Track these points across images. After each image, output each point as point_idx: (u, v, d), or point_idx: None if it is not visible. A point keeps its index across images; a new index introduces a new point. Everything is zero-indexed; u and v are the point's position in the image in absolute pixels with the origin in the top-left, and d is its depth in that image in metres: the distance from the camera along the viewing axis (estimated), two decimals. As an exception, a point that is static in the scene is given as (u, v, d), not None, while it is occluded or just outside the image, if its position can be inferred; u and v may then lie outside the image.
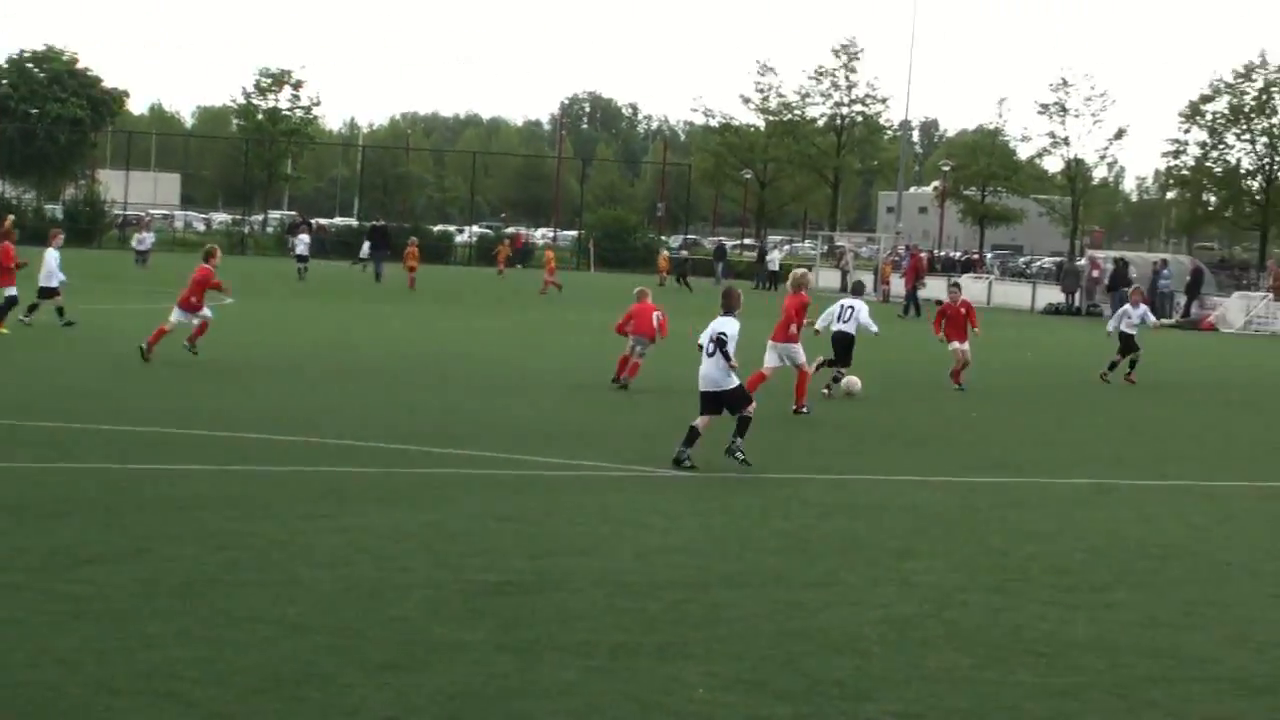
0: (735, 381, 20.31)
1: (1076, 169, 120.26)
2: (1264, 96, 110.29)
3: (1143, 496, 19.89)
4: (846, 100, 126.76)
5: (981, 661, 11.56)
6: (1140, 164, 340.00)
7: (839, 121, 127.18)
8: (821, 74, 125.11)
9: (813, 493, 18.88)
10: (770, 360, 27.41)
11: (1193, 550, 16.30)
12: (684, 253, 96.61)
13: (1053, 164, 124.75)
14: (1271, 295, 69.49)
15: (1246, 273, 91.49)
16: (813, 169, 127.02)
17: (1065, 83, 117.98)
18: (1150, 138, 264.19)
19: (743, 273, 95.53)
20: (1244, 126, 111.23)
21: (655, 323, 29.88)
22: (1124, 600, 13.80)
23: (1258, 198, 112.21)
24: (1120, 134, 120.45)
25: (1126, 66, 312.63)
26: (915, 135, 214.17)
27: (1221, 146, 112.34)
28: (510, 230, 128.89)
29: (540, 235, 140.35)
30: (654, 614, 12.53)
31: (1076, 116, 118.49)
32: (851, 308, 30.23)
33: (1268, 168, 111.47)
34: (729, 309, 20.65)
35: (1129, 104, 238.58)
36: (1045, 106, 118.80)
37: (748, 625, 12.34)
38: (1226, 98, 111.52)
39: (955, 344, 32.45)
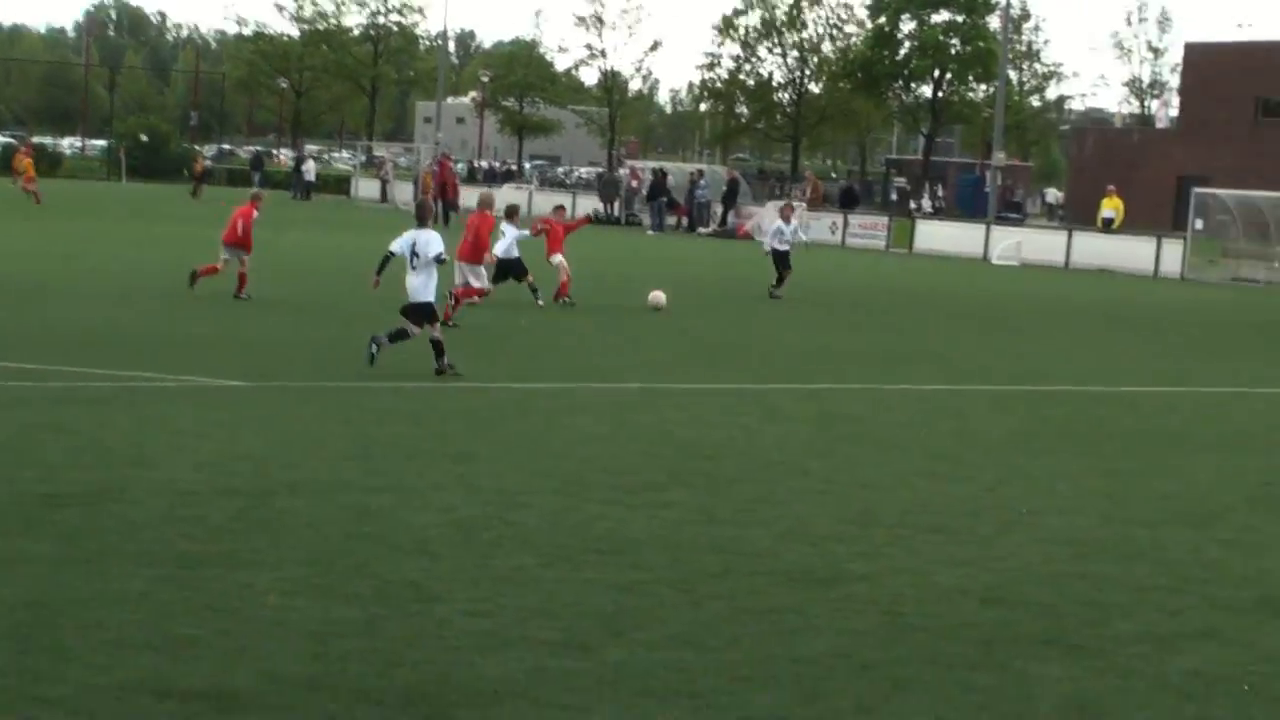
0: (431, 296, 20.92)
1: (613, 81, 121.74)
2: (794, 11, 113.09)
3: (694, 400, 20.32)
4: (383, 10, 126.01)
5: (547, 560, 11.70)
6: (675, 76, 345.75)
7: (375, 31, 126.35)
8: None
9: (372, 400, 18.82)
10: (459, 279, 28.01)
11: (745, 450, 16.72)
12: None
13: (590, 75, 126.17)
14: (806, 205, 71.53)
15: (783, 184, 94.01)
16: (349, 78, 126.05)
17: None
18: (685, 50, 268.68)
19: (280, 183, 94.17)
20: (775, 40, 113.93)
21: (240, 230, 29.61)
22: (681, 499, 14.09)
23: (789, 110, 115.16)
24: (655, 46, 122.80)
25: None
26: (452, 46, 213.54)
27: (754, 60, 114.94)
28: (35, 139, 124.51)
29: (68, 145, 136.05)
30: (219, 523, 12.36)
31: (613, 29, 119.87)
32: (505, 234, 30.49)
33: (798, 81, 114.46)
34: (423, 221, 21.41)
35: (664, 17, 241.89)
36: (582, 19, 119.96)
37: (315, 531, 12.27)
38: (759, 11, 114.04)
39: (557, 258, 32.50)
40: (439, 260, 21.11)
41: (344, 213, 72.23)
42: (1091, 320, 35.80)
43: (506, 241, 30.46)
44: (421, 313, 21.11)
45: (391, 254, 21.32)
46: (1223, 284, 53.57)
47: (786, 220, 37.08)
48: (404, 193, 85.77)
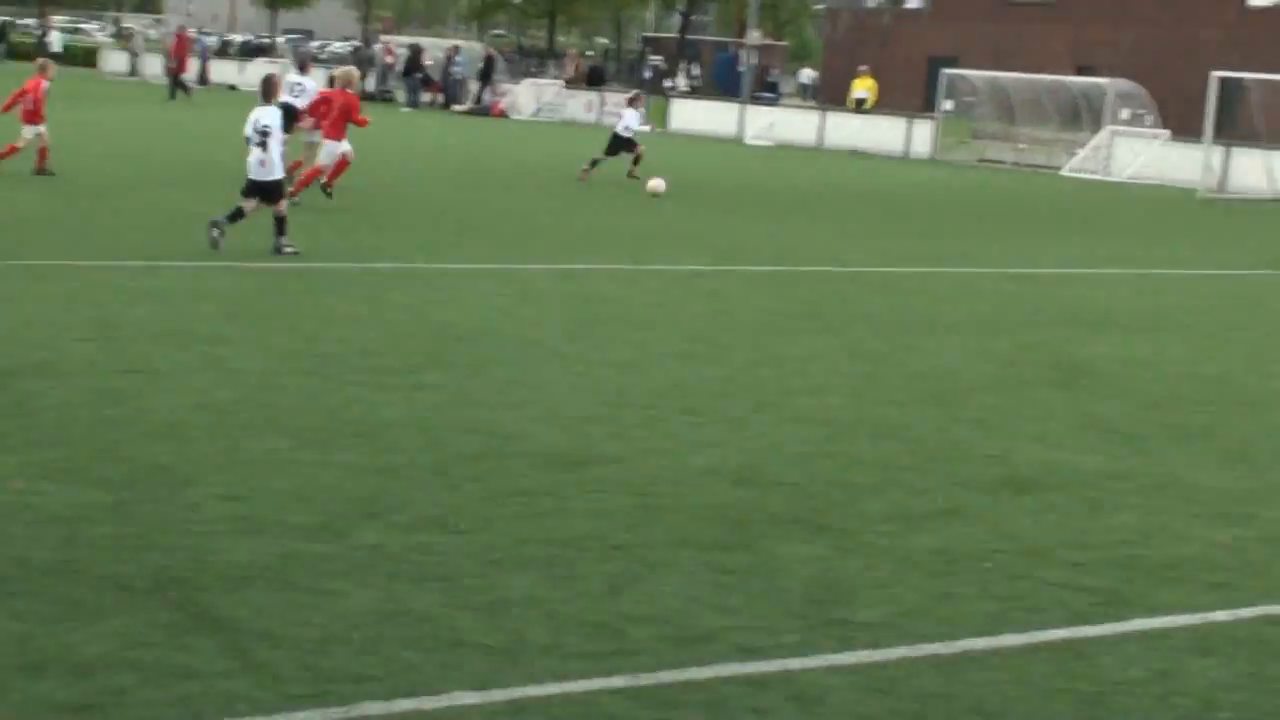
0: (278, 175, 21.15)
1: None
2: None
3: (450, 281, 20.26)
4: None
5: (301, 443, 11.64)
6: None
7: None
8: None
9: (123, 279, 18.50)
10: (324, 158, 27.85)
11: (502, 331, 16.73)
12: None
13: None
14: (564, 83, 71.34)
15: (543, 62, 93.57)
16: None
17: None
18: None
19: (25, 54, 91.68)
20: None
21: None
22: (436, 381, 14.08)
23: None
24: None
25: None
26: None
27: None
28: None
29: None
30: (-37, 406, 12.12)
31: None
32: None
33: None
34: (268, 97, 21.32)
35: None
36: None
37: (62, 414, 12.08)
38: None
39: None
40: (263, 133, 21.00)
41: (91, 86, 70.56)
42: (844, 201, 36.26)
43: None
44: (266, 190, 21.17)
45: (248, 139, 21.31)
46: (971, 165, 54.46)
47: (635, 109, 37.64)
48: (153, 66, 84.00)
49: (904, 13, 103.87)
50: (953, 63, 74.03)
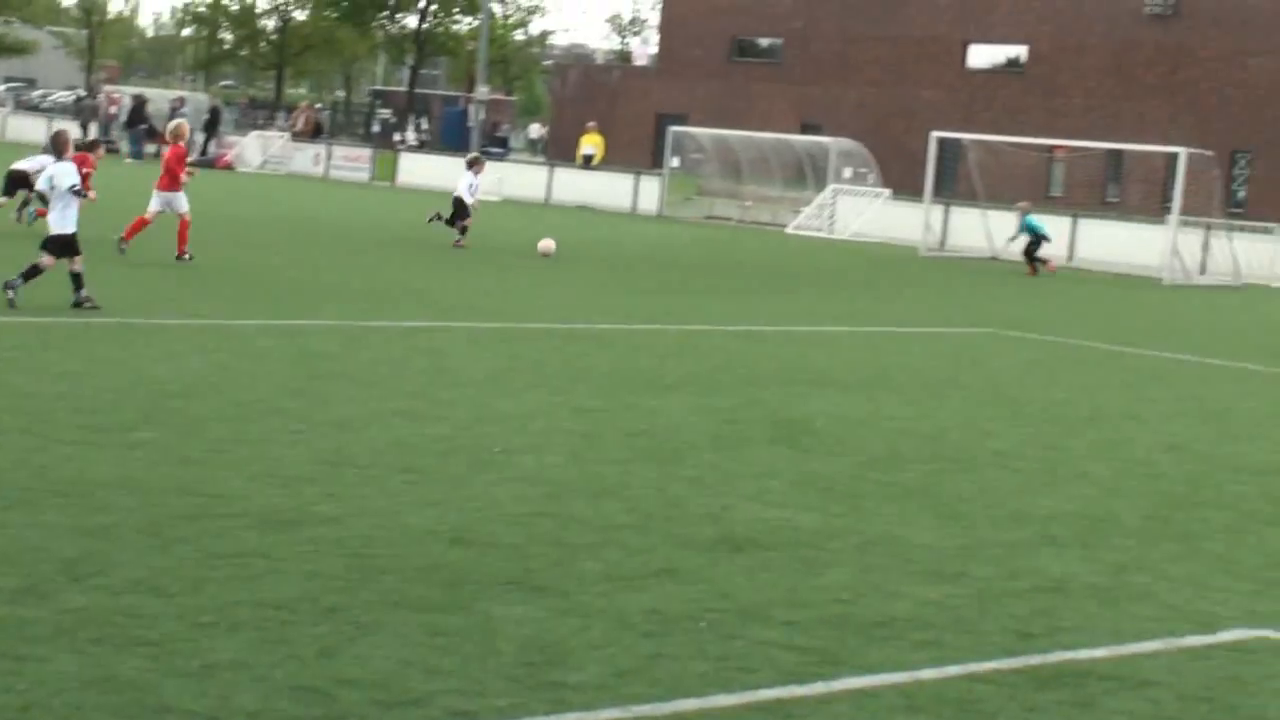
0: (71, 227, 21.16)
1: (92, 2, 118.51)
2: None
3: (168, 335, 19.96)
4: None
5: (8, 503, 11.36)
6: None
7: None
8: None
9: None
10: (154, 206, 28.75)
11: (219, 389, 16.49)
12: None
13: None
14: (289, 135, 70.82)
15: (271, 113, 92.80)
16: None
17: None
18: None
19: None
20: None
21: None
22: (151, 439, 13.84)
23: (273, 37, 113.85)
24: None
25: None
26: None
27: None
28: None
29: None
30: None
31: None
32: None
33: (282, 7, 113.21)
34: (60, 152, 21.60)
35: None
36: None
37: None
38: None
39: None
40: (74, 192, 21.19)
41: None
42: (569, 257, 36.38)
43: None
44: (61, 245, 21.17)
45: (41, 194, 21.64)
46: (698, 221, 55.04)
47: (475, 173, 37.57)
48: None
49: (632, 70, 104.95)
50: (680, 120, 74.88)
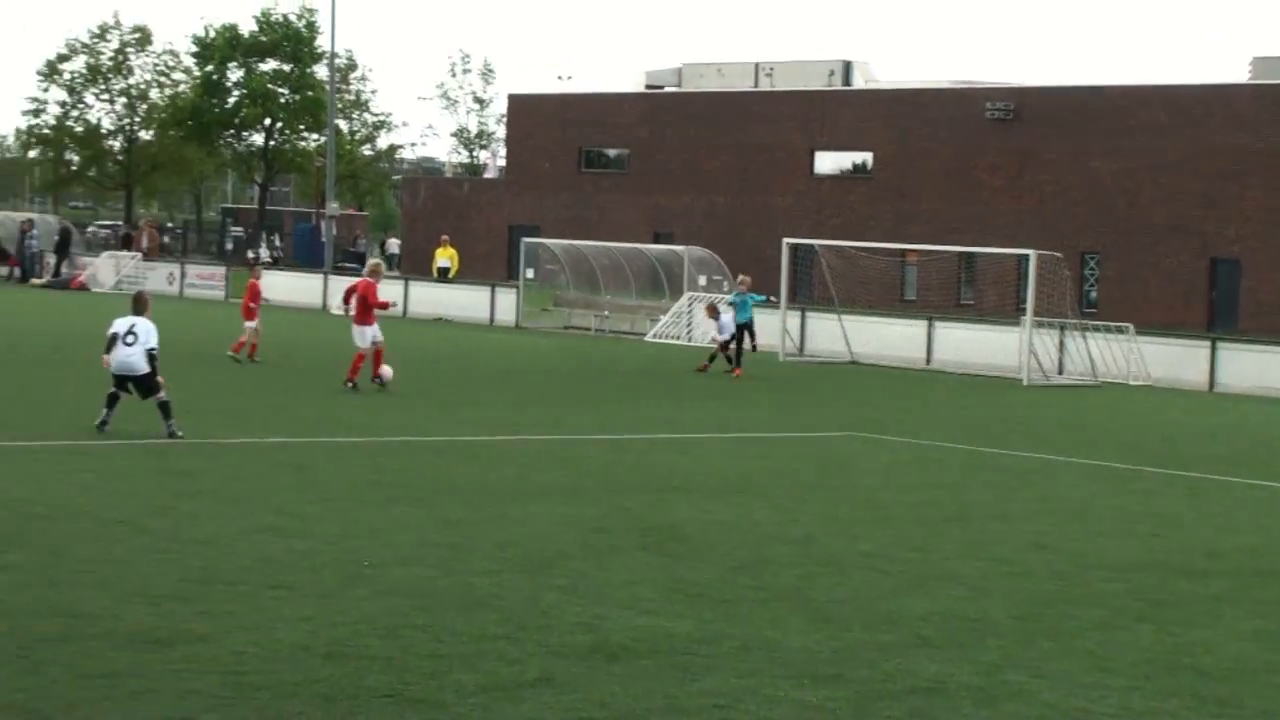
0: (146, 368, 22.14)
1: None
2: (120, 57, 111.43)
3: (28, 457, 19.76)
4: None
5: (-128, 633, 11.19)
6: (1, 122, 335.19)
7: None
8: None
9: None
10: (361, 341, 30.98)
11: (84, 509, 16.33)
12: None
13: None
14: (141, 255, 70.33)
15: (117, 233, 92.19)
16: None
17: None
18: (9, 95, 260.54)
19: None
20: (102, 86, 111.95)
21: None
22: (18, 562, 13.69)
23: (120, 158, 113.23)
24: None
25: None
26: None
27: (81, 106, 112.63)
28: None
29: None
30: None
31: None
32: None
33: (128, 128, 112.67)
34: (139, 310, 22.73)
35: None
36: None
37: None
38: (84, 57, 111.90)
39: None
40: (151, 354, 22.19)
41: None
42: (428, 369, 36.31)
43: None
44: (143, 386, 22.20)
45: (114, 336, 22.29)
46: (556, 332, 55.12)
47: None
48: None
49: (482, 182, 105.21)
50: (533, 231, 75.20)
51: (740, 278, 41.96)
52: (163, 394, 22.27)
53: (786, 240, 50.45)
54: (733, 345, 39.58)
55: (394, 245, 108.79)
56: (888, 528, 18.15)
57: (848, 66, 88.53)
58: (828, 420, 30.66)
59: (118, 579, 13.23)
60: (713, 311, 41.72)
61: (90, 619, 11.85)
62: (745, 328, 39.61)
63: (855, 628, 13.04)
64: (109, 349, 22.40)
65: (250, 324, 34.94)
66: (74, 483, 17.96)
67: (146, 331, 22.40)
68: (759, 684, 11.13)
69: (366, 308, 31.28)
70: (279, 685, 10.40)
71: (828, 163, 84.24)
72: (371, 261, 32.91)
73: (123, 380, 22.34)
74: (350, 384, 30.10)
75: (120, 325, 22.47)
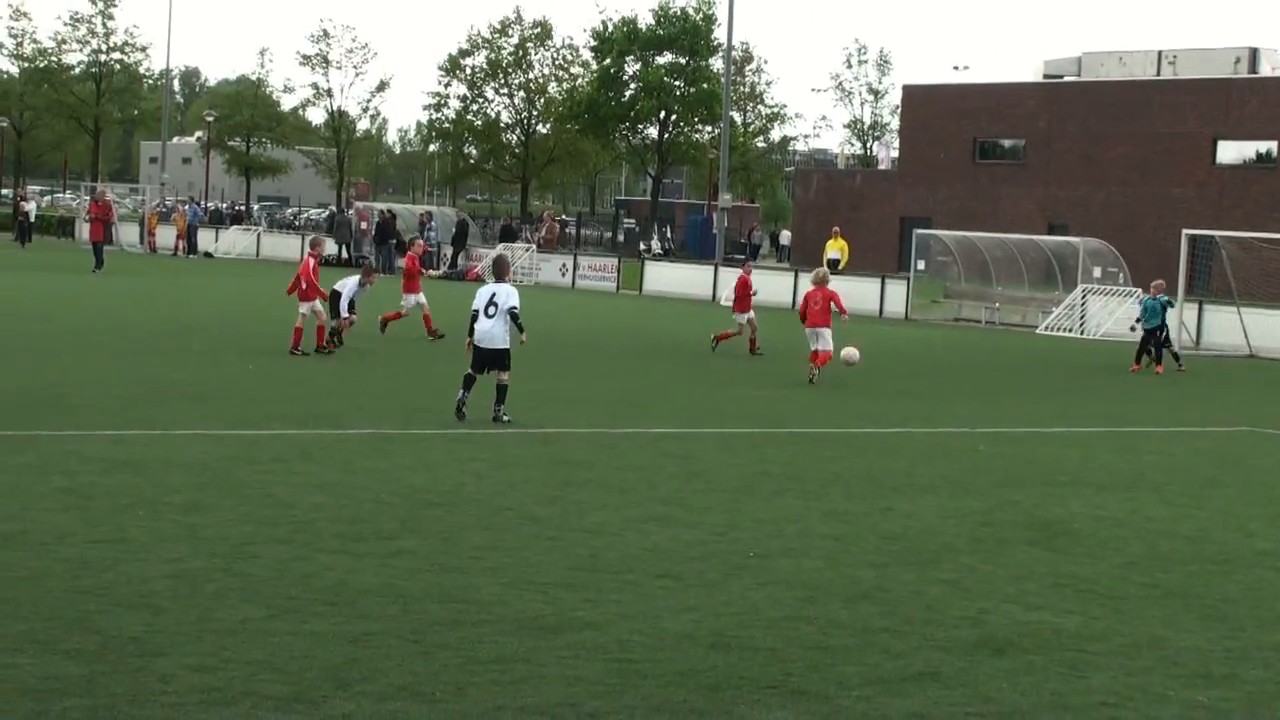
0: (506, 343, 22.58)
1: (340, 121, 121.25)
2: (520, 52, 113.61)
3: (424, 446, 20.23)
4: (105, 48, 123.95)
5: (274, 612, 11.58)
6: (403, 116, 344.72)
7: (98, 69, 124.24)
8: (78, 20, 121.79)
9: (92, 449, 18.46)
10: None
11: (475, 497, 16.68)
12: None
13: (316, 115, 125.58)
14: (536, 247, 71.70)
15: (518, 225, 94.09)
16: (72, 117, 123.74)
17: (327, 34, 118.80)
18: (412, 90, 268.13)
19: (1, 224, 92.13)
20: (502, 81, 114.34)
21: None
22: (411, 548, 14.03)
23: (517, 151, 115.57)
24: (383, 86, 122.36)
25: (388, 19, 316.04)
26: (176, 85, 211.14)
27: (481, 100, 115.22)
28: None
29: None
30: (-67, 578, 12.03)
31: (339, 68, 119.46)
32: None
33: (525, 122, 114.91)
34: (501, 276, 23.23)
35: (391, 56, 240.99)
36: (308, 58, 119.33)
37: (34, 585, 12.01)
38: (485, 52, 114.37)
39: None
40: (512, 312, 22.51)
41: (65, 255, 70.85)
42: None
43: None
44: (495, 359, 22.54)
45: (476, 312, 22.72)
46: (945, 324, 54.68)
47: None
48: (129, 234, 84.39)
49: (874, 174, 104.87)
50: (925, 223, 74.75)
51: (1155, 282, 40.63)
52: (505, 376, 22.53)
53: (1186, 231, 49.23)
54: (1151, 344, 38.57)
55: (786, 237, 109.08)
56: (1287, 526, 17.57)
57: (1254, 53, 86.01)
58: (1224, 415, 29.84)
59: (507, 566, 13.48)
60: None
61: (480, 605, 12.09)
62: (1154, 333, 38.39)
63: (1249, 627, 12.65)
64: (471, 328, 22.78)
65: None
66: (466, 471, 18.34)
67: (507, 296, 22.61)
68: (1148, 682, 10.87)
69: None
70: (664, 674, 10.48)
71: (1230, 152, 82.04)
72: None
73: (481, 359, 22.60)
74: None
75: (480, 298, 22.79)
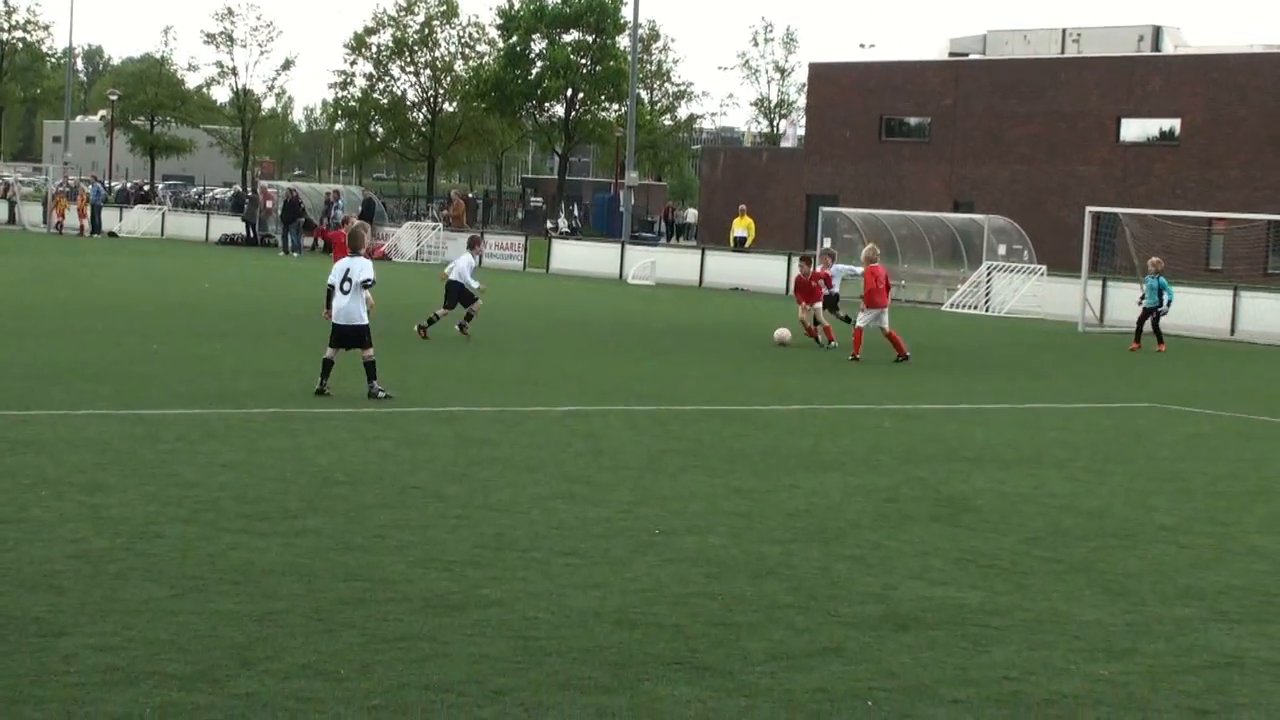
0: (364, 319, 22.53)
1: (245, 99, 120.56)
2: (426, 30, 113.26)
3: (328, 424, 20.16)
4: (7, 26, 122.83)
5: (178, 591, 11.52)
6: (309, 95, 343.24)
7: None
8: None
9: (-6, 429, 18.31)
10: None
11: (380, 475, 16.63)
12: None
13: (221, 94, 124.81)
14: (443, 225, 71.53)
15: (419, 203, 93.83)
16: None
17: (231, 12, 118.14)
18: (317, 69, 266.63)
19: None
20: (408, 59, 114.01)
21: None
22: (317, 527, 13.98)
23: (423, 129, 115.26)
24: (288, 65, 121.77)
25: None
26: (79, 63, 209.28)
27: (387, 78, 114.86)
28: None
29: None
30: None
31: (243, 46, 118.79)
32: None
33: (432, 100, 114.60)
34: (355, 249, 22.99)
35: (296, 34, 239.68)
36: (212, 36, 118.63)
37: (-66, 567, 11.90)
38: (390, 30, 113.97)
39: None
40: (365, 284, 22.51)
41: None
42: (724, 339, 36.43)
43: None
44: (355, 336, 22.48)
45: (331, 286, 22.66)
46: (851, 301, 54.86)
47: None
48: (32, 214, 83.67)
49: (781, 152, 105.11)
50: (831, 200, 75.00)
51: (1152, 259, 40.96)
52: (370, 353, 22.54)
53: (1090, 209, 49.61)
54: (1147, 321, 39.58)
55: (691, 215, 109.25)
56: (1187, 501, 17.76)
57: (1158, 31, 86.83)
58: (1128, 391, 30.12)
59: (413, 544, 13.46)
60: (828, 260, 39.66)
61: (385, 583, 12.07)
62: (1152, 311, 39.24)
63: (1151, 602, 12.78)
64: (328, 302, 22.87)
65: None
66: (372, 449, 18.30)
67: (360, 269, 22.64)
68: (1050, 656, 10.97)
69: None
70: (570, 651, 10.49)
71: (1134, 130, 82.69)
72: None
73: (342, 337, 22.60)
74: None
75: (336, 273, 22.81)
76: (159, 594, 11.44)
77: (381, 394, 22.32)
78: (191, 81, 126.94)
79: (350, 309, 22.54)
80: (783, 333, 32.87)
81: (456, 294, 33.00)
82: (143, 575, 11.96)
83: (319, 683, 9.57)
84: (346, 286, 22.53)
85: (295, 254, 67.96)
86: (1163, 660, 11.04)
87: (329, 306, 22.88)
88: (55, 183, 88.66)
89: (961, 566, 13.70)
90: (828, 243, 59.12)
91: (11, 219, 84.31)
